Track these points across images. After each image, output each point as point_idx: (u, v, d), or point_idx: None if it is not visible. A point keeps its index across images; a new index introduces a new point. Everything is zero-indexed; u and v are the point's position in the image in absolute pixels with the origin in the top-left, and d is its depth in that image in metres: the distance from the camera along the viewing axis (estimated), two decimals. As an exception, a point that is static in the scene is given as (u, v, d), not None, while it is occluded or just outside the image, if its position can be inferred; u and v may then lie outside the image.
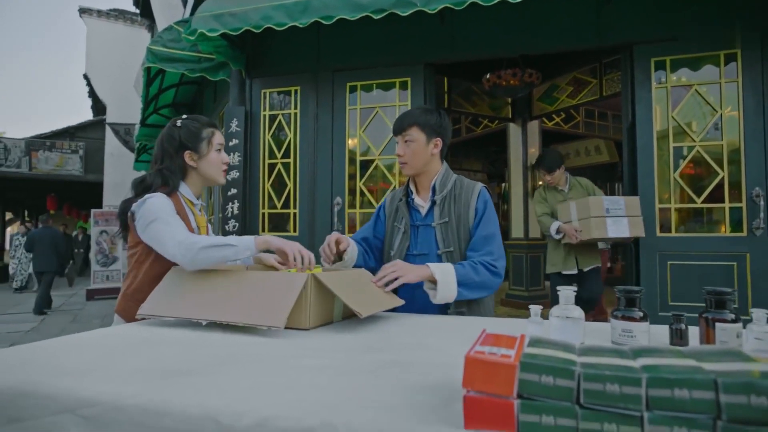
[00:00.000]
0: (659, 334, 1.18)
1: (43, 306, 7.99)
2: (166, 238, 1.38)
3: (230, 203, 4.56)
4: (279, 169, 4.60)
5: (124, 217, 1.55)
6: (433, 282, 1.53)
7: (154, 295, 1.34)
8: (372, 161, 4.38)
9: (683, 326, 1.12)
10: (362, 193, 4.40)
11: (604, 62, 5.56)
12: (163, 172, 1.57)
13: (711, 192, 3.61)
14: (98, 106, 14.64)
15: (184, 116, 1.66)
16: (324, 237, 4.62)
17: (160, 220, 1.42)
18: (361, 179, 4.39)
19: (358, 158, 4.41)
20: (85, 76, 13.40)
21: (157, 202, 1.47)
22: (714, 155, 3.61)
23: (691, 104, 3.72)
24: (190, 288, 1.32)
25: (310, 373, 0.86)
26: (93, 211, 9.79)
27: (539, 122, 6.74)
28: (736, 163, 3.57)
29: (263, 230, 4.61)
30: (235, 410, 0.68)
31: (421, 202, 1.77)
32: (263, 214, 4.64)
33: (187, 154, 1.61)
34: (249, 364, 0.92)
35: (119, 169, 12.37)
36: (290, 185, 4.55)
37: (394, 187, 4.24)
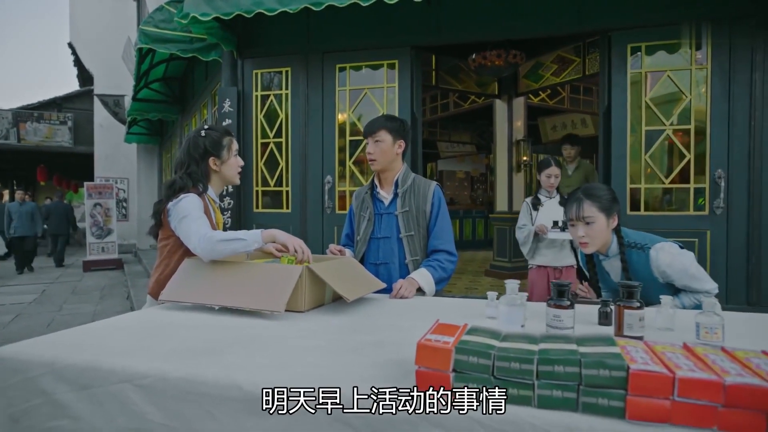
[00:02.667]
0: (592, 314, 1.44)
1: (62, 260, 10.78)
2: (192, 233, 1.61)
3: (225, 181, 4.76)
4: (271, 148, 4.78)
5: (159, 216, 1.78)
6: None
7: (173, 284, 1.58)
8: (361, 141, 4.56)
9: (609, 309, 1.39)
10: (352, 172, 4.60)
11: (588, 42, 5.70)
12: (191, 175, 1.79)
13: (678, 173, 3.86)
14: (84, 76, 14.44)
15: (206, 126, 1.87)
16: (316, 214, 4.81)
17: (190, 216, 1.65)
18: (350, 158, 4.59)
19: (348, 138, 4.60)
20: (70, 45, 13.19)
21: (190, 201, 1.70)
22: (682, 138, 3.85)
23: (663, 89, 3.92)
24: (204, 277, 1.56)
25: (307, 353, 1.11)
26: (86, 184, 9.88)
27: (525, 98, 6.90)
28: (702, 145, 3.81)
29: (257, 207, 4.83)
30: (253, 380, 0.93)
31: (385, 194, 2.10)
32: (257, 191, 4.84)
33: (211, 160, 1.83)
34: (258, 345, 1.17)
35: (109, 140, 12.36)
36: (282, 164, 4.74)
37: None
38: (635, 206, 3.96)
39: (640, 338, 1.18)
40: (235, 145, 1.89)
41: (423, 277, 1.90)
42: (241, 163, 1.93)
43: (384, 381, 0.92)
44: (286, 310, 1.42)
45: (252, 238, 1.58)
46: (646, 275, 1.72)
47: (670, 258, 1.69)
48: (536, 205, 3.76)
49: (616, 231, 1.78)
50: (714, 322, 1.12)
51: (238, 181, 1.93)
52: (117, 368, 0.99)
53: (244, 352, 1.10)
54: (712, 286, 1.72)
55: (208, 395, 0.93)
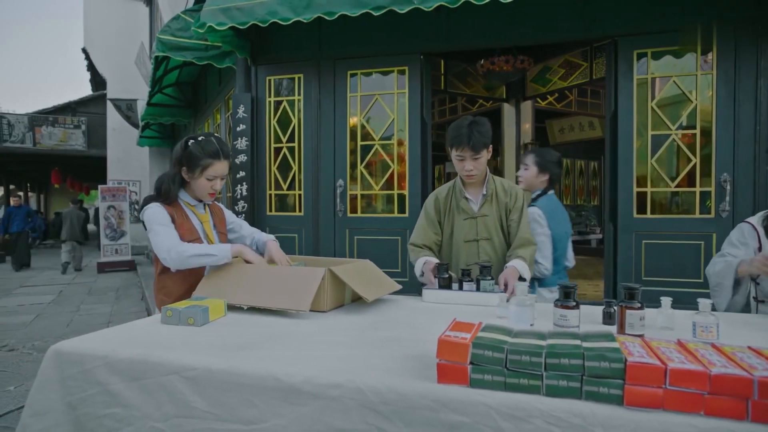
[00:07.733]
0: (596, 314, 1.53)
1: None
2: (157, 247, 1.74)
3: (239, 185, 4.88)
4: (284, 153, 4.89)
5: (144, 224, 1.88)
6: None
7: (203, 286, 1.69)
8: (372, 145, 4.68)
9: (612, 310, 1.48)
10: (362, 175, 4.71)
11: (595, 46, 5.77)
12: (168, 179, 1.86)
13: (684, 176, 3.93)
14: (97, 80, 14.69)
15: (200, 137, 1.84)
16: (328, 217, 4.91)
17: (153, 231, 1.77)
18: (361, 162, 4.70)
19: (359, 142, 4.70)
20: (84, 50, 13.42)
21: (151, 213, 1.80)
22: (688, 142, 3.92)
23: (669, 94, 3.99)
24: (232, 280, 1.67)
25: (331, 347, 1.21)
26: (100, 186, 10.07)
27: (532, 102, 6.98)
28: (707, 149, 3.87)
29: (270, 210, 4.95)
30: (287, 372, 1.04)
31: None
32: (270, 195, 4.96)
33: (183, 169, 1.86)
34: (288, 340, 1.27)
35: (122, 144, 12.57)
36: (295, 168, 4.85)
37: (393, 170, 4.58)
38: (642, 209, 4.02)
39: (640, 336, 1.27)
40: (211, 171, 1.83)
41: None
42: (217, 188, 1.87)
43: (403, 372, 1.02)
44: (309, 310, 1.52)
45: (222, 254, 1.72)
46: None
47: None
48: None
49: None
50: (709, 321, 1.21)
51: (208, 200, 1.92)
52: (165, 361, 1.10)
53: (275, 346, 1.21)
54: (547, 264, 2.08)
55: (248, 385, 1.04)
